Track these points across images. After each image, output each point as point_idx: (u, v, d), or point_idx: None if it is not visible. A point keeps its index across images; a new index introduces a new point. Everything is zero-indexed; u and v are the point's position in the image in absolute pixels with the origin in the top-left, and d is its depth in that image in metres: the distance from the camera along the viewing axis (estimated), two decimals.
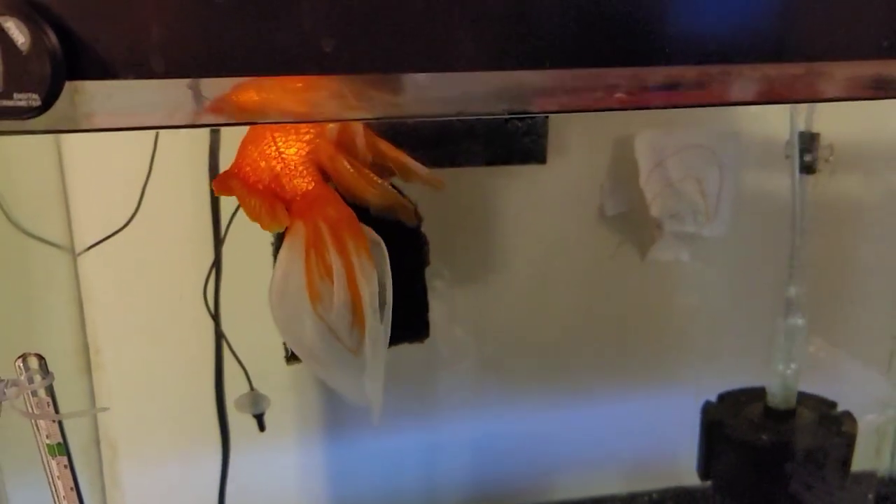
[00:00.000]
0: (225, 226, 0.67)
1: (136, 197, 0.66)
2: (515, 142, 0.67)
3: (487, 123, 0.67)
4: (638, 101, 0.41)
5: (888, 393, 0.91)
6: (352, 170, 0.52)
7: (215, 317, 0.69)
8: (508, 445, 0.92)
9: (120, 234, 0.66)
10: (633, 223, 0.89)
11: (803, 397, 0.74)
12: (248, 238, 0.64)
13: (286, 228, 0.53)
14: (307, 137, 0.52)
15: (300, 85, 0.36)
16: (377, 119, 0.49)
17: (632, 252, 0.90)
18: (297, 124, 0.52)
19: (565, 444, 0.92)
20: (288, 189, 0.52)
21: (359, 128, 0.53)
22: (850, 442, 0.69)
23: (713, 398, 0.78)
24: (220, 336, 0.69)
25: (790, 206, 0.79)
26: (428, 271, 0.66)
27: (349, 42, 0.35)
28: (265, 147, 0.52)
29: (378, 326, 0.53)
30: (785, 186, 0.82)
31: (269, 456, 0.81)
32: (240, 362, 0.68)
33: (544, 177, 0.83)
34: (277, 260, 0.53)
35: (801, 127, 0.77)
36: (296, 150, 0.52)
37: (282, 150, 0.52)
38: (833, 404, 0.74)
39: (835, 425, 0.70)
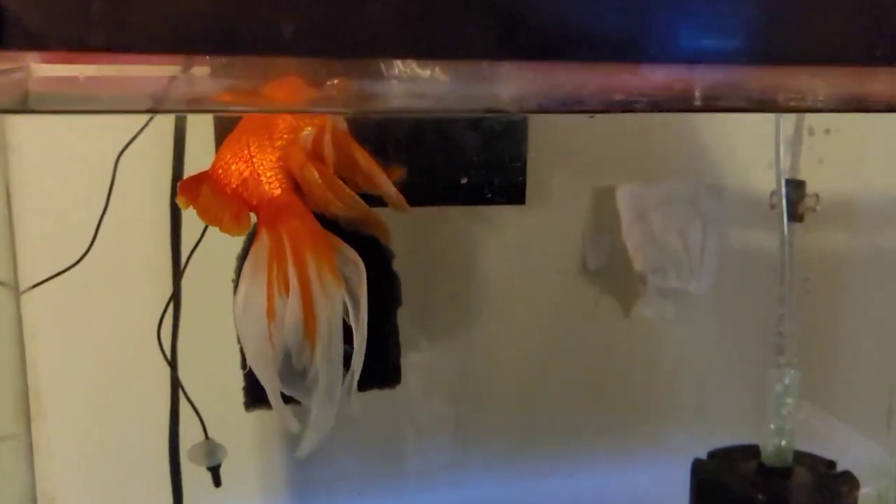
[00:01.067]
0: (185, 260, 0.63)
1: (89, 231, 0.62)
2: (493, 177, 0.65)
3: (466, 157, 0.65)
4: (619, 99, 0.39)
5: (884, 460, 0.87)
6: (320, 179, 0.49)
7: (171, 360, 0.64)
8: None
9: (69, 269, 0.61)
10: (616, 277, 0.86)
11: (799, 455, 0.69)
12: (210, 273, 0.60)
13: (253, 239, 0.50)
14: (279, 143, 0.50)
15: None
16: (344, 113, 0.47)
17: (615, 307, 0.87)
18: (272, 128, 0.50)
19: None
20: (255, 195, 0.49)
21: (336, 134, 0.51)
22: (852, 503, 0.65)
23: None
24: (175, 380, 0.64)
25: (776, 262, 0.77)
26: (401, 314, 0.62)
27: (309, 23, 0.33)
28: (239, 149, 0.50)
29: (334, 352, 0.49)
30: (770, 241, 0.81)
31: None
32: (194, 408, 0.63)
33: (523, 227, 0.82)
34: (242, 272, 0.50)
35: (787, 175, 0.75)
36: (268, 155, 0.50)
37: (253, 154, 0.49)
38: (832, 463, 0.70)
39: (835, 485, 0.65)
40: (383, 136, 0.60)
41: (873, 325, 0.89)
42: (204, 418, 0.64)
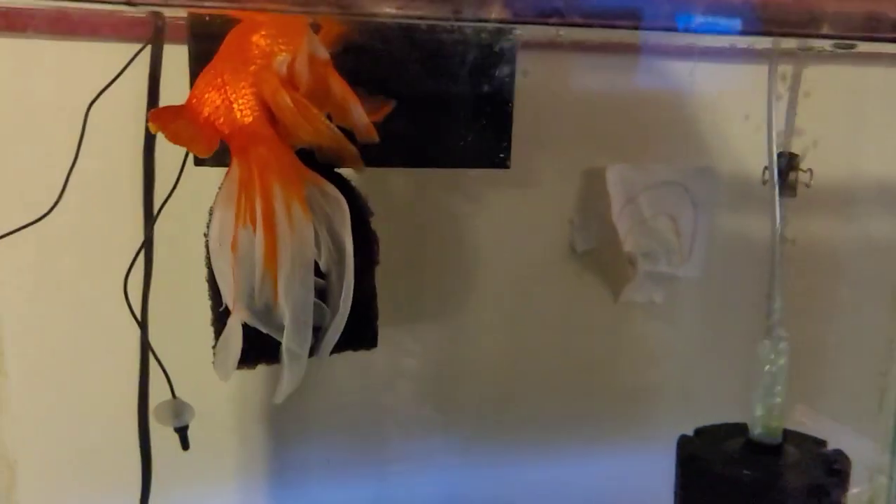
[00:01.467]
0: (157, 211, 0.61)
1: (58, 183, 0.60)
2: (477, 138, 0.63)
3: (448, 116, 0.63)
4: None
5: (876, 458, 0.85)
6: (291, 104, 0.48)
7: (142, 315, 0.62)
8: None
9: (36, 222, 0.59)
10: (604, 260, 0.85)
11: (789, 434, 0.67)
12: (183, 226, 0.58)
13: (228, 170, 0.49)
14: (252, 69, 0.48)
15: None
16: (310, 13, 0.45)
17: (603, 292, 0.85)
18: (246, 54, 0.48)
19: (532, 500, 0.85)
20: (227, 123, 0.48)
21: (313, 60, 0.49)
22: (843, 481, 0.62)
23: None
24: (145, 337, 0.62)
25: (766, 244, 0.75)
26: (379, 274, 0.60)
27: None
28: (213, 77, 0.48)
29: (299, 290, 0.48)
30: (762, 225, 0.79)
31: (198, 495, 0.72)
32: (161, 366, 0.61)
33: (510, 207, 0.80)
34: (215, 201, 0.49)
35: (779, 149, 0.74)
36: (241, 81, 0.48)
37: (227, 81, 0.48)
38: (822, 442, 0.67)
39: (826, 463, 0.63)
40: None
41: (865, 308, 0.88)
42: (175, 377, 0.61)
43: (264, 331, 0.50)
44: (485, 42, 0.59)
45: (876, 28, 0.48)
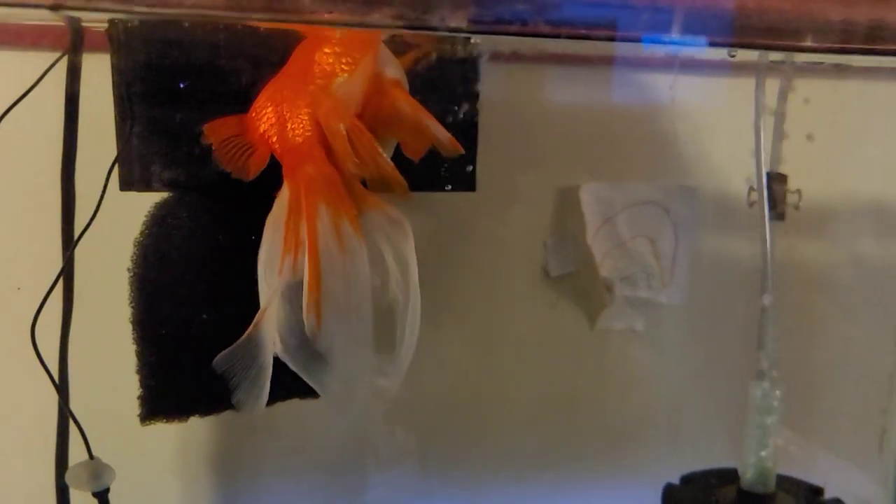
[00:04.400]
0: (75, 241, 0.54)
1: None
2: (437, 160, 0.58)
3: None
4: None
5: (872, 490, 0.81)
6: (343, 132, 0.45)
7: (61, 363, 0.55)
8: None
9: None
10: (580, 285, 0.80)
11: (783, 481, 0.62)
12: (103, 261, 0.52)
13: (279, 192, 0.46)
14: (311, 88, 0.46)
15: None
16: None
17: (580, 318, 0.81)
18: (307, 73, 0.46)
19: None
20: (280, 141, 0.46)
21: (377, 81, 0.47)
22: None
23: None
24: (64, 386, 0.54)
25: (753, 269, 0.71)
26: None
27: None
28: (274, 92, 0.47)
29: (353, 317, 0.45)
30: (747, 247, 0.75)
31: None
32: (76, 423, 0.53)
33: (479, 229, 0.76)
34: (266, 224, 0.46)
35: (767, 169, 0.69)
36: (298, 100, 0.47)
37: (285, 98, 0.47)
38: (819, 490, 0.63)
39: None
40: None
41: (862, 342, 0.84)
42: (91, 434, 0.54)
43: (296, 370, 0.46)
44: (445, 55, 0.55)
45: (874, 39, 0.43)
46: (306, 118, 0.46)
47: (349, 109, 0.47)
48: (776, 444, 0.61)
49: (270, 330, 0.45)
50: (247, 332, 0.44)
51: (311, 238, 0.44)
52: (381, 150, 0.46)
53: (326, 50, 0.47)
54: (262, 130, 0.47)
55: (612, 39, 0.40)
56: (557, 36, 0.36)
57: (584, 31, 0.41)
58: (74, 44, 0.51)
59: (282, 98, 0.47)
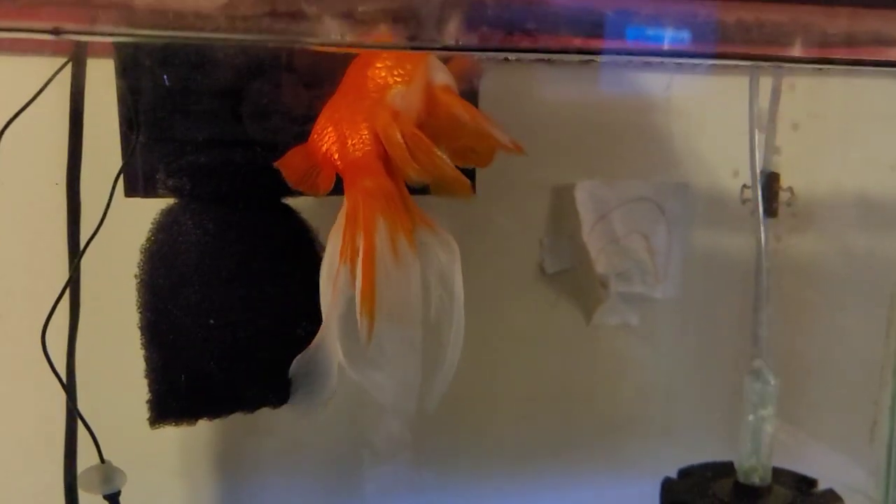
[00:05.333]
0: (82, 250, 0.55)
1: None
2: None
3: None
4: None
5: (864, 480, 0.82)
6: (401, 141, 0.45)
7: (68, 368, 0.55)
8: None
9: None
10: (576, 282, 0.80)
11: (778, 473, 0.64)
12: (111, 268, 0.52)
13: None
14: (367, 103, 0.47)
15: None
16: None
17: (576, 314, 0.81)
18: (363, 88, 0.47)
19: None
20: (341, 157, 0.47)
21: (431, 90, 0.48)
22: None
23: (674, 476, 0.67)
24: (72, 399, 0.55)
25: (746, 264, 0.72)
26: None
27: None
28: (334, 110, 0.48)
29: (404, 331, 0.46)
30: (740, 242, 0.76)
31: None
32: (87, 426, 0.54)
33: (475, 226, 0.76)
34: (329, 235, 0.47)
35: (759, 168, 0.70)
36: (356, 115, 0.47)
37: (344, 115, 0.47)
38: (813, 481, 0.64)
39: None
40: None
41: (854, 334, 0.85)
42: (102, 437, 0.55)
43: (356, 377, 0.47)
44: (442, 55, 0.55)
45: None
46: (365, 133, 0.47)
47: (406, 119, 0.47)
48: (771, 437, 0.62)
49: (333, 339, 0.46)
50: (314, 341, 0.46)
51: (368, 247, 0.44)
52: (440, 152, 0.47)
53: (378, 65, 0.48)
54: (324, 150, 0.47)
55: (612, 53, 0.41)
56: (566, 51, 0.36)
57: (580, 44, 0.41)
58: (78, 55, 0.52)
59: (340, 117, 0.47)
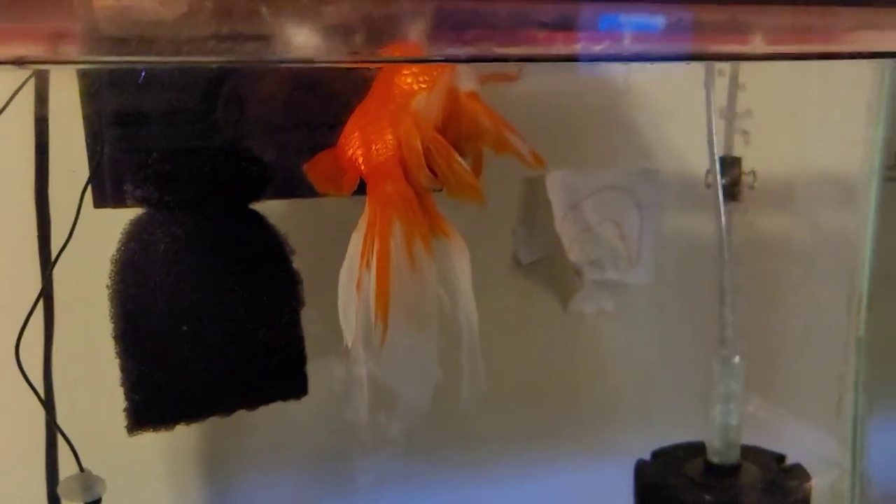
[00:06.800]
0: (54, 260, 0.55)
1: None
2: None
3: None
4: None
5: (836, 450, 0.84)
6: (419, 148, 0.46)
7: (45, 378, 0.56)
8: None
9: None
10: (551, 271, 0.81)
11: (748, 451, 0.65)
12: (83, 277, 0.53)
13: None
14: (392, 108, 0.48)
15: None
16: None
17: (552, 303, 0.82)
18: (388, 94, 0.47)
19: None
20: (365, 161, 0.48)
21: (453, 96, 0.48)
22: (804, 498, 0.60)
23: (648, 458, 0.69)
24: (50, 402, 0.56)
25: (716, 246, 0.73)
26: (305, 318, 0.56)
27: None
28: (361, 115, 0.49)
29: (419, 336, 0.47)
30: (711, 225, 0.77)
31: None
32: (64, 436, 0.55)
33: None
34: (350, 241, 0.48)
35: (720, 153, 0.71)
36: (381, 121, 0.48)
37: (370, 120, 0.48)
38: (781, 457, 0.65)
39: (786, 480, 0.61)
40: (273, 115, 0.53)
41: (818, 310, 0.86)
42: (84, 444, 0.56)
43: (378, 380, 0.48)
44: None
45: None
46: (389, 138, 0.48)
47: (428, 124, 0.48)
48: (739, 416, 0.63)
49: (358, 345, 0.47)
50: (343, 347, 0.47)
51: (383, 252, 0.45)
52: (458, 157, 0.47)
53: (405, 72, 0.48)
54: (350, 153, 0.48)
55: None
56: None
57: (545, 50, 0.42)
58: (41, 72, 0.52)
59: (366, 122, 0.48)
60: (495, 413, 0.81)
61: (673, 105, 0.80)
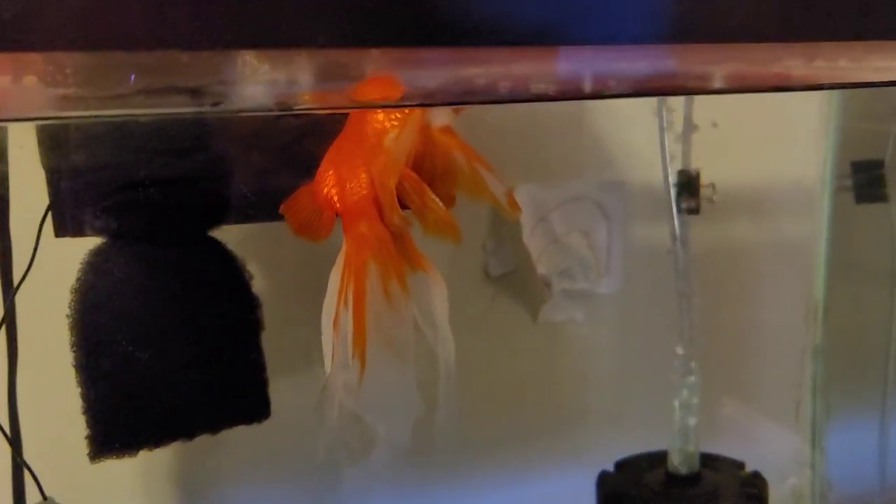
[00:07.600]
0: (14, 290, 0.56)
1: None
2: None
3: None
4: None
5: (800, 450, 0.85)
6: (391, 188, 0.46)
7: (10, 411, 0.57)
8: None
9: None
10: (521, 283, 0.82)
11: (707, 459, 0.66)
12: (42, 308, 0.54)
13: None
14: (366, 147, 0.48)
15: None
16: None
17: (522, 315, 0.83)
18: (363, 132, 0.47)
19: None
20: (339, 200, 0.48)
21: (427, 134, 0.48)
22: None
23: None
24: (15, 431, 0.57)
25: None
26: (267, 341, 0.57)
27: None
28: (335, 154, 0.49)
29: (395, 373, 0.47)
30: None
31: None
32: (26, 465, 0.55)
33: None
34: (330, 278, 0.48)
35: (679, 166, 0.72)
36: (355, 160, 0.48)
37: (344, 159, 0.48)
38: (741, 465, 0.67)
39: (743, 488, 0.62)
40: (230, 137, 0.54)
41: (777, 319, 0.87)
42: (50, 468, 0.57)
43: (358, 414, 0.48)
44: None
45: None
46: (363, 177, 0.48)
47: (401, 162, 0.47)
48: (696, 425, 0.64)
49: (336, 382, 0.47)
50: (322, 385, 0.48)
51: (358, 292, 0.46)
52: (432, 195, 0.47)
53: (377, 109, 0.48)
54: (325, 192, 0.48)
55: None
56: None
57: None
58: None
59: (341, 160, 0.48)
60: (466, 420, 0.82)
61: (639, 116, 0.81)
